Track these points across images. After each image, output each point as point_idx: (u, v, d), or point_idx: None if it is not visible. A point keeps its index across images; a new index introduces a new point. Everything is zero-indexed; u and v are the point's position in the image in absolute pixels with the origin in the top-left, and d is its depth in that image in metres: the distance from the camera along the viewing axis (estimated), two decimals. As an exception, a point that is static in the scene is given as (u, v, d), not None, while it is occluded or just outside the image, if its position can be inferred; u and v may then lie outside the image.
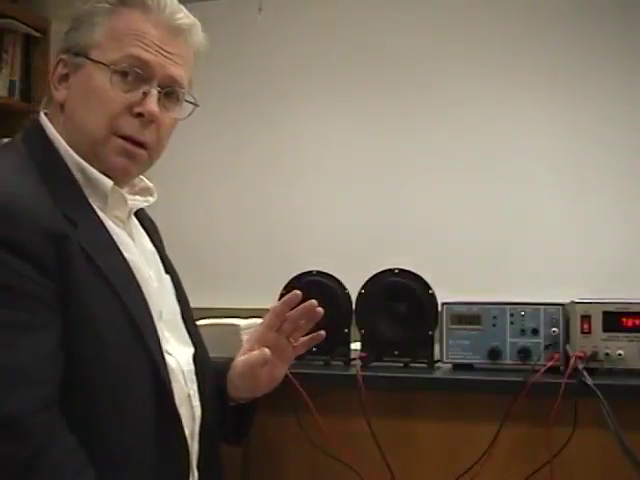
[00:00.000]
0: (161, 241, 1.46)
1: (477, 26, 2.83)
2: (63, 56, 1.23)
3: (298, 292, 1.39)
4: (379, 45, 2.93)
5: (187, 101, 1.31)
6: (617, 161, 2.70)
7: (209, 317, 1.80)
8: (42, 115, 1.26)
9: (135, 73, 1.21)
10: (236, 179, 3.06)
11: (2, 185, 1.10)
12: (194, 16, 1.31)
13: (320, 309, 1.41)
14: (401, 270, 1.69)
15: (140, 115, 1.22)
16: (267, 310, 1.84)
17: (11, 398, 1.02)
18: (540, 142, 2.77)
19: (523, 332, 1.59)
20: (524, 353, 1.58)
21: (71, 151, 1.21)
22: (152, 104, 1.22)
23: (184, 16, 1.27)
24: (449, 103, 2.86)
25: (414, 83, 2.90)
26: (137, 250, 1.28)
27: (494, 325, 1.61)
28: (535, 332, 1.59)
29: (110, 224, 1.23)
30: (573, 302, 1.57)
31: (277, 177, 3.03)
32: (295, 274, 1.75)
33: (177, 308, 1.36)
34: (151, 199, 1.36)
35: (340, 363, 1.69)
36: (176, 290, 1.38)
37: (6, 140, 1.29)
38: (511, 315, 1.61)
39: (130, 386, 1.15)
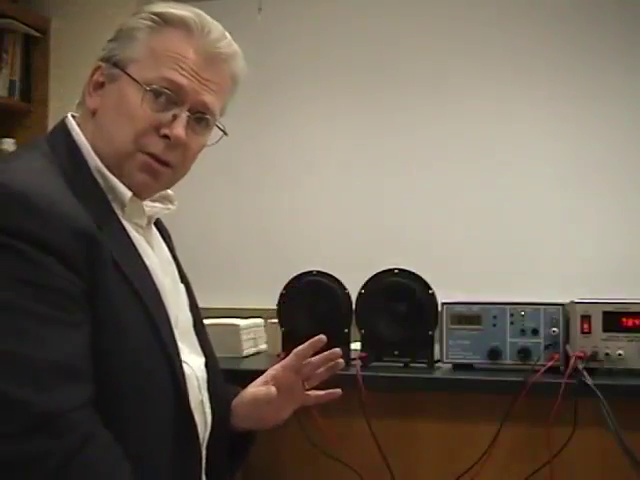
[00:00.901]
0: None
1: (477, 24, 2.83)
2: (101, 64, 1.24)
3: (324, 337, 1.37)
4: (379, 44, 2.93)
5: (217, 126, 1.31)
6: (618, 160, 2.70)
7: (209, 317, 1.80)
8: (69, 117, 1.26)
9: (167, 95, 1.21)
10: (236, 178, 3.06)
11: (34, 185, 1.09)
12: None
13: (342, 361, 1.40)
14: (401, 270, 1.69)
15: (166, 137, 1.22)
16: (267, 310, 1.85)
17: (50, 394, 1.02)
18: (541, 141, 2.77)
19: (523, 332, 1.59)
20: (524, 353, 1.58)
21: (94, 156, 1.22)
22: (179, 128, 1.22)
23: (226, 44, 1.27)
24: (450, 102, 2.86)
25: (415, 82, 2.90)
26: (155, 258, 1.28)
27: (494, 325, 1.62)
28: (535, 332, 1.59)
29: (131, 230, 1.24)
30: (573, 302, 1.57)
31: (277, 176, 3.03)
32: (295, 274, 1.75)
33: (190, 317, 1.37)
34: (171, 207, 1.37)
35: (340, 363, 1.69)
36: (190, 299, 1.40)
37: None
38: (511, 315, 1.61)
39: (152, 387, 1.16)
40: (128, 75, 1.21)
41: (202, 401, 1.29)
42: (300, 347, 1.40)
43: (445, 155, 2.85)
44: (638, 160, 2.68)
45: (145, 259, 1.23)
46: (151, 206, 1.32)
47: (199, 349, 1.35)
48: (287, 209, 3.00)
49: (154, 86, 1.20)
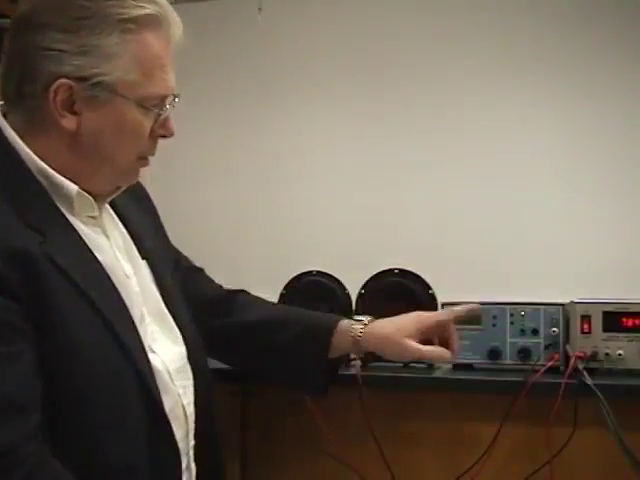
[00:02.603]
0: (150, 210, 1.43)
1: (476, 24, 2.83)
2: (67, 82, 1.14)
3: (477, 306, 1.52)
4: (379, 44, 2.93)
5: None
6: (618, 160, 2.69)
7: (209, 317, 1.80)
8: (4, 123, 1.19)
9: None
10: (236, 178, 3.06)
11: None
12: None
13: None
14: (401, 270, 1.69)
15: (163, 137, 1.23)
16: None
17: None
18: (540, 141, 2.76)
19: (523, 332, 1.59)
20: (524, 353, 1.58)
21: (33, 155, 1.16)
22: (172, 125, 1.23)
23: (179, 23, 1.23)
24: (448, 102, 2.85)
25: (414, 82, 2.89)
26: (111, 248, 1.24)
27: (494, 325, 1.62)
28: (535, 332, 1.59)
29: (80, 226, 1.19)
30: (573, 302, 1.57)
31: (277, 177, 3.03)
32: (295, 274, 1.75)
33: (158, 297, 1.30)
34: (122, 186, 1.30)
35: (340, 363, 1.69)
36: (155, 275, 1.31)
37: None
38: (511, 315, 1.61)
39: (117, 396, 1.12)
40: (123, 97, 1.16)
41: (179, 394, 1.23)
42: (459, 309, 1.49)
43: (445, 155, 2.85)
44: (638, 159, 2.68)
45: (98, 255, 1.18)
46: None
47: (176, 331, 1.29)
48: (287, 209, 3.00)
49: (156, 108, 1.19)
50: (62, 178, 1.18)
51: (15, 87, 1.18)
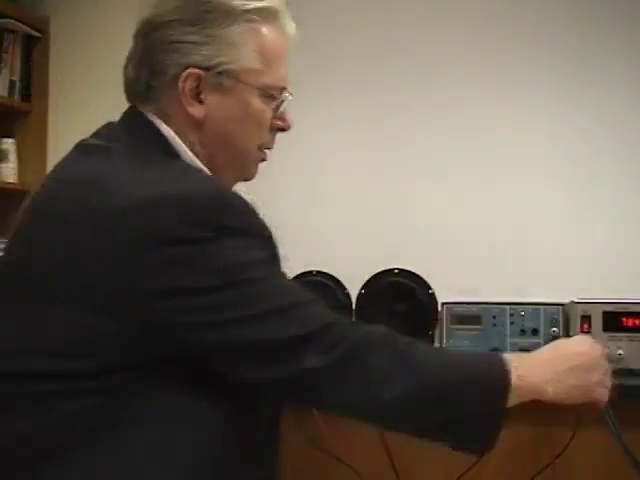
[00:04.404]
0: None
1: (479, 17, 2.83)
2: (196, 71, 1.18)
3: None
4: (379, 43, 2.93)
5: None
6: (617, 160, 2.70)
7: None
8: (153, 116, 1.22)
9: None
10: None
11: (213, 186, 1.13)
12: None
13: None
14: (401, 270, 1.70)
15: (281, 130, 1.26)
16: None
17: (325, 314, 1.08)
18: (540, 142, 2.77)
19: (523, 332, 1.60)
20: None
21: (190, 154, 1.21)
22: (290, 118, 1.26)
23: (292, 22, 1.26)
24: (449, 102, 2.85)
25: (415, 80, 2.89)
26: None
27: (494, 325, 1.62)
28: (535, 332, 1.59)
29: None
30: (573, 302, 1.57)
31: (276, 175, 3.02)
32: (295, 274, 1.75)
33: None
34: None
35: (340, 363, 1.69)
36: None
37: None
38: (511, 315, 1.61)
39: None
40: (250, 86, 1.20)
41: None
42: None
43: (445, 155, 2.85)
44: (638, 159, 2.68)
45: None
46: None
47: None
48: (287, 209, 3.00)
49: (274, 92, 1.22)
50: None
51: (145, 83, 1.21)
